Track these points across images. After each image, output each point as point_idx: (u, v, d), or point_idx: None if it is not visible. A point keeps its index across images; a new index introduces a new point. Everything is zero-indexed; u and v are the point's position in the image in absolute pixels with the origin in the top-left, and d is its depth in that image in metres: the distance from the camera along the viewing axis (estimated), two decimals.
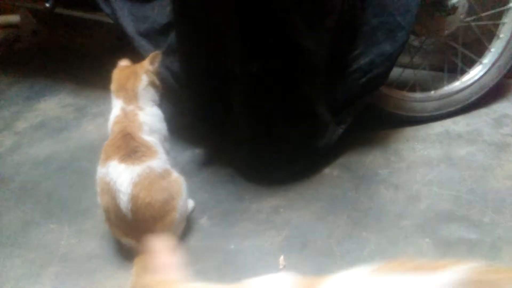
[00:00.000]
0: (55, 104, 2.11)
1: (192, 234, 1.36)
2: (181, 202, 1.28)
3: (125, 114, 1.35)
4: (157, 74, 1.46)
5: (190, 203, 1.40)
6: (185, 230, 1.34)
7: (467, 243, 1.23)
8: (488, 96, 1.71)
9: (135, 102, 1.37)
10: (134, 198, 1.20)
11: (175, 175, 1.32)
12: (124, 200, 1.20)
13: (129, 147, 1.26)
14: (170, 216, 1.25)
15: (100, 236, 1.38)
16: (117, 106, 1.38)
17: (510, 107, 1.71)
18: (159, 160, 1.28)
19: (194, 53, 1.43)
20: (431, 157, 1.53)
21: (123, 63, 1.48)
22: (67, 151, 1.78)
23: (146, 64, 1.43)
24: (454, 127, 1.66)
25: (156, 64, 1.45)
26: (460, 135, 1.62)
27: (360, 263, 1.19)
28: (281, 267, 1.23)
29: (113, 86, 1.42)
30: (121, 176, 1.22)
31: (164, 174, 1.28)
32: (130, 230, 1.23)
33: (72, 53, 2.44)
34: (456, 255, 1.20)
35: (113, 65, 1.49)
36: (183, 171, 1.41)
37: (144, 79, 1.40)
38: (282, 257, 1.25)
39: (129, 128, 1.30)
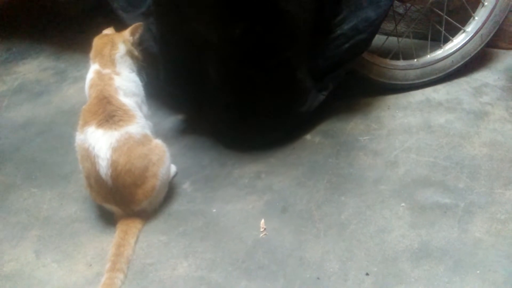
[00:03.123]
0: (34, 67, 2.06)
1: (175, 198, 1.37)
2: (163, 170, 1.29)
3: (99, 76, 1.33)
4: (138, 45, 1.43)
5: (173, 169, 1.41)
6: (168, 195, 1.36)
7: (442, 207, 1.28)
8: (469, 64, 1.72)
9: (111, 67, 1.35)
10: (113, 164, 1.20)
11: (156, 141, 1.32)
12: (103, 165, 1.20)
13: (106, 111, 1.25)
14: (151, 183, 1.26)
15: (82, 200, 1.39)
16: (91, 69, 1.36)
17: (491, 76, 1.74)
18: (137, 125, 1.27)
19: (171, 16, 1.39)
20: (411, 125, 1.55)
21: (107, 31, 1.44)
22: (47, 115, 1.76)
23: (126, 34, 1.40)
24: (434, 95, 1.68)
25: (137, 35, 1.42)
26: (440, 103, 1.64)
27: (338, 226, 1.24)
28: (262, 230, 1.26)
29: (91, 53, 1.39)
30: (99, 142, 1.21)
31: (144, 140, 1.27)
32: (111, 196, 1.24)
33: (50, 15, 2.36)
34: (430, 219, 1.25)
35: (93, 28, 1.45)
36: (165, 137, 1.41)
37: (121, 48, 1.37)
38: (263, 221, 1.28)
39: (105, 92, 1.28)
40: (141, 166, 1.23)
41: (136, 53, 1.41)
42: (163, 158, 1.29)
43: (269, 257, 1.19)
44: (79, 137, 1.26)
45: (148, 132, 1.32)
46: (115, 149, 1.21)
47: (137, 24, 1.43)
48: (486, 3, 1.65)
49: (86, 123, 1.25)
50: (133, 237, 1.24)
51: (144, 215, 1.30)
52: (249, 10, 1.30)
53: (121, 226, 1.25)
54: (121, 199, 1.24)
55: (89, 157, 1.22)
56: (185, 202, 1.36)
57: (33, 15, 2.41)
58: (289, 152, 1.50)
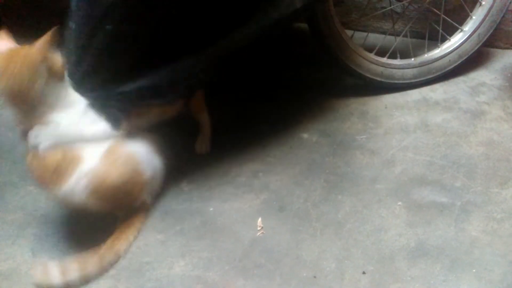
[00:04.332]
0: None
1: (173, 197, 1.37)
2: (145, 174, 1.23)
3: None
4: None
5: (158, 165, 1.31)
6: (165, 193, 1.36)
7: (438, 206, 1.28)
8: (467, 64, 1.73)
9: None
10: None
11: (128, 148, 1.21)
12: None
13: None
14: (136, 193, 1.23)
15: None
16: None
17: (488, 76, 1.74)
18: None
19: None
20: (408, 124, 1.56)
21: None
22: None
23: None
24: (432, 94, 1.68)
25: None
26: (437, 102, 1.64)
27: (335, 225, 1.25)
28: (258, 228, 1.26)
29: None
30: None
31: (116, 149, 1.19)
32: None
33: (48, 11, 2.35)
34: (426, 217, 1.25)
35: None
36: (163, 135, 1.40)
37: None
38: (260, 220, 1.29)
39: None
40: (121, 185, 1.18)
41: None
42: (137, 167, 1.21)
43: (265, 256, 1.19)
44: None
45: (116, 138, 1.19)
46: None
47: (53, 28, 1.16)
48: (483, 3, 1.66)
49: None
50: (132, 233, 1.24)
51: (144, 207, 1.29)
52: None
53: (120, 225, 1.25)
54: (113, 209, 1.24)
55: None
56: (182, 201, 1.36)
57: (31, 12, 2.40)
58: (287, 151, 1.50)
